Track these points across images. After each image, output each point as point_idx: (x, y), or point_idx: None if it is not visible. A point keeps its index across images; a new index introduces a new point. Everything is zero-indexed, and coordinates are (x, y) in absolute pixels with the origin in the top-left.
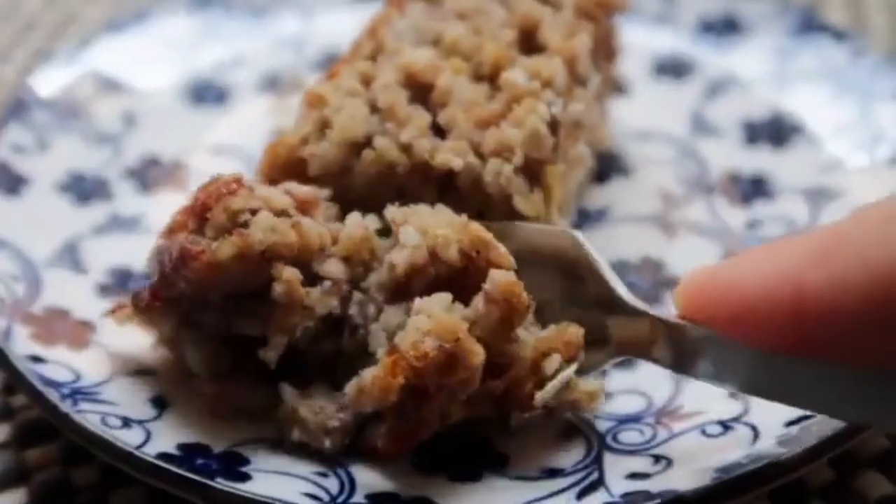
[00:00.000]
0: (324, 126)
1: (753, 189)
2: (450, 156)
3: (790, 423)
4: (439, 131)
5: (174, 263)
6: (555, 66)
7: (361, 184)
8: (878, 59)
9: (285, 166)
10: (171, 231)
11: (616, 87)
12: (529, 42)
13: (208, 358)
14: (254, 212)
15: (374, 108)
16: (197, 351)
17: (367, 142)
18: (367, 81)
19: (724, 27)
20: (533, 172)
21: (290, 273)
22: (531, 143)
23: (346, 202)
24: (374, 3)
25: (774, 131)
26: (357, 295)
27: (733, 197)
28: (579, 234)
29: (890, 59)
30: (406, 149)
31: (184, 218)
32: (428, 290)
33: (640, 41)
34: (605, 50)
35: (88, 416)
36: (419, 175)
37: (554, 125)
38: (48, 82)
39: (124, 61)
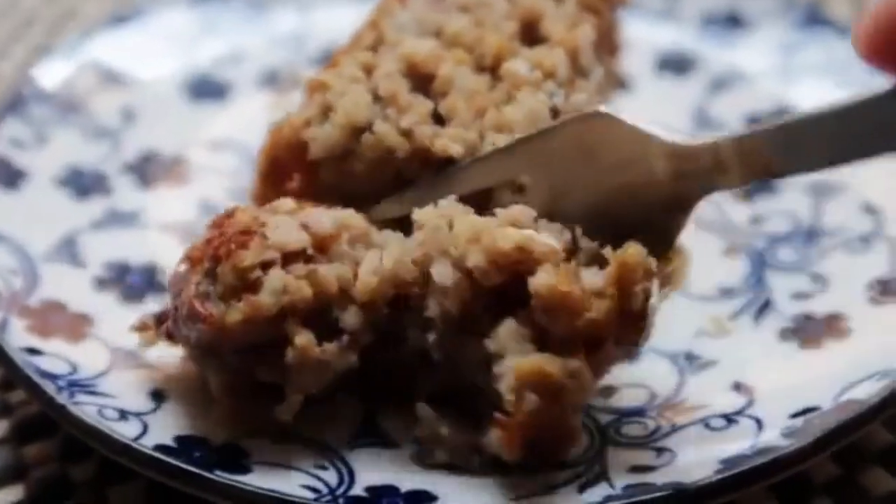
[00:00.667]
0: (326, 110)
1: (757, 184)
2: (449, 142)
3: (795, 416)
4: (439, 120)
5: (184, 318)
6: (557, 57)
7: (361, 169)
8: None
9: (287, 147)
10: (189, 261)
11: (619, 82)
12: (531, 34)
13: (229, 385)
14: (266, 265)
15: (375, 97)
16: (217, 378)
17: (369, 128)
18: (368, 71)
19: (728, 22)
20: None
21: (302, 338)
22: (530, 124)
23: (346, 189)
24: None
25: None
26: (409, 316)
27: (737, 192)
28: (603, 107)
29: None
30: (406, 134)
31: (199, 254)
32: (487, 308)
33: (643, 36)
34: (607, 44)
35: (85, 409)
36: (418, 161)
37: (555, 115)
38: (47, 76)
39: (123, 55)
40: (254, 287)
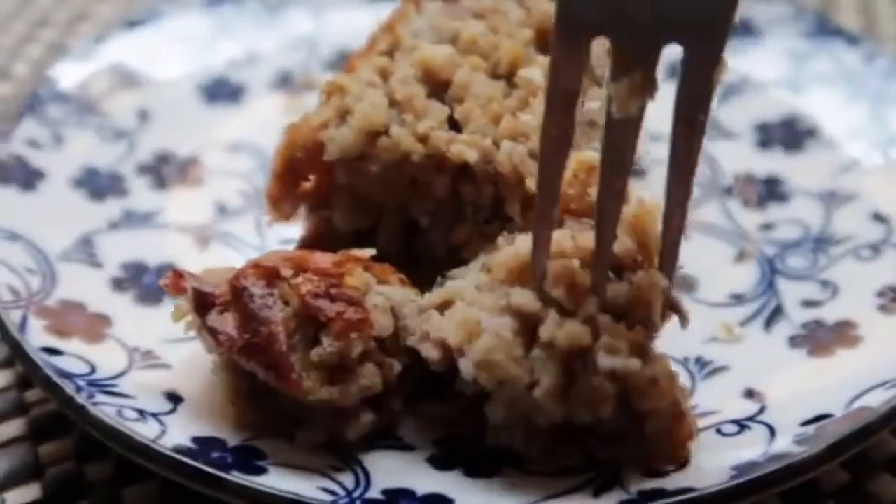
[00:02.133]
0: (343, 113)
1: (767, 191)
2: (464, 147)
3: (806, 423)
4: (455, 126)
5: (265, 368)
6: None
7: (376, 172)
8: (890, 62)
9: (304, 148)
10: (265, 280)
11: None
12: (546, 41)
13: (257, 408)
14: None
15: (392, 101)
16: (236, 386)
17: (385, 131)
18: (384, 75)
19: (738, 30)
20: None
21: (367, 418)
22: None
23: (360, 190)
24: (386, 3)
25: (788, 134)
26: None
27: (748, 199)
28: None
29: None
30: (422, 139)
31: (272, 273)
32: None
33: None
34: None
35: (104, 409)
36: (433, 166)
37: None
38: (64, 78)
39: (139, 58)
40: (347, 373)
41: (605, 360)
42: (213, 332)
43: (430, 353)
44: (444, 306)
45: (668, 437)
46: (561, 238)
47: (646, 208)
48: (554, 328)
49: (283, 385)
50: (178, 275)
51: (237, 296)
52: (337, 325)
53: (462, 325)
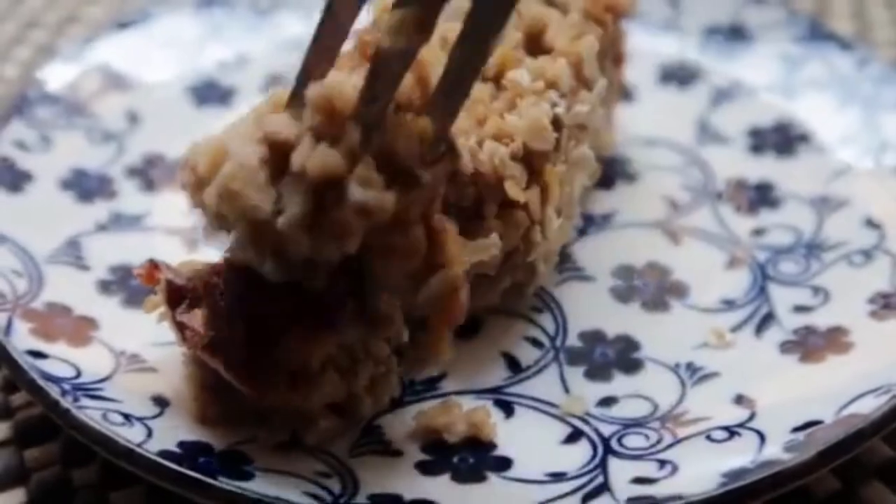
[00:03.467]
0: None
1: (759, 197)
2: None
3: (796, 430)
4: None
5: (225, 367)
6: (560, 67)
7: None
8: (883, 68)
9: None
10: (231, 267)
11: (623, 92)
12: (536, 45)
13: (220, 404)
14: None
15: None
16: (213, 401)
17: None
18: None
19: (731, 34)
20: (532, 167)
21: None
22: (531, 132)
23: None
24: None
25: (780, 139)
26: None
27: (739, 204)
28: None
29: (895, 69)
30: None
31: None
32: None
33: (645, 47)
34: (613, 55)
35: (89, 413)
36: None
37: (556, 124)
38: (52, 79)
39: (128, 59)
40: (309, 379)
41: (356, 192)
42: (180, 327)
43: (184, 180)
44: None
45: (434, 314)
46: (336, 73)
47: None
48: (305, 154)
49: (241, 385)
50: (154, 265)
51: (208, 292)
52: (298, 332)
53: (209, 152)
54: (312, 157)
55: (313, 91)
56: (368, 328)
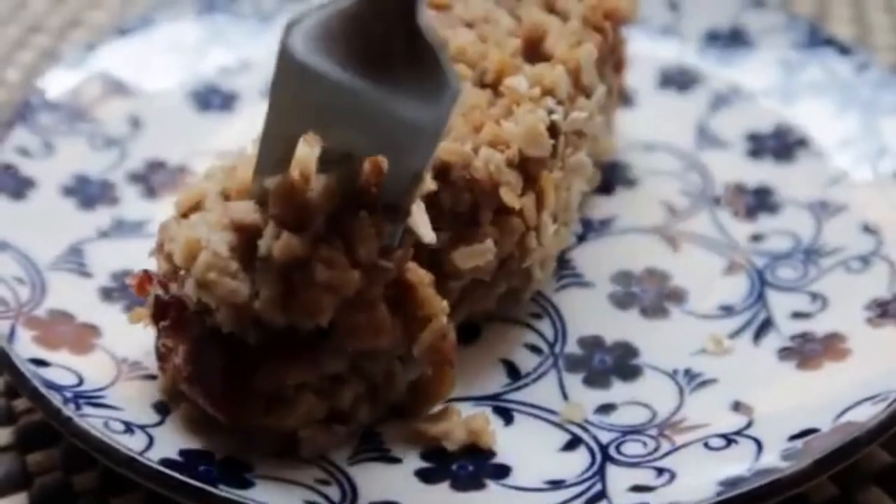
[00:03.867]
0: None
1: (758, 202)
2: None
3: (794, 437)
4: None
5: (203, 396)
6: (557, 74)
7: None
8: (882, 73)
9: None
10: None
11: (623, 97)
12: (536, 51)
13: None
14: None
15: None
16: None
17: None
18: None
19: (730, 39)
20: (528, 173)
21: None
22: (527, 139)
23: None
24: None
25: (779, 144)
26: None
27: (738, 209)
28: None
29: (894, 73)
30: None
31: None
32: None
33: (645, 52)
34: (613, 61)
35: (91, 421)
36: None
37: (553, 131)
38: (55, 85)
39: (131, 65)
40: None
41: (321, 273)
42: (162, 352)
43: (160, 264)
44: (191, 209)
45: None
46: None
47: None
48: (269, 242)
49: (219, 413)
50: (147, 276)
51: (186, 322)
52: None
53: (185, 244)
54: (278, 245)
55: (273, 183)
56: (353, 360)
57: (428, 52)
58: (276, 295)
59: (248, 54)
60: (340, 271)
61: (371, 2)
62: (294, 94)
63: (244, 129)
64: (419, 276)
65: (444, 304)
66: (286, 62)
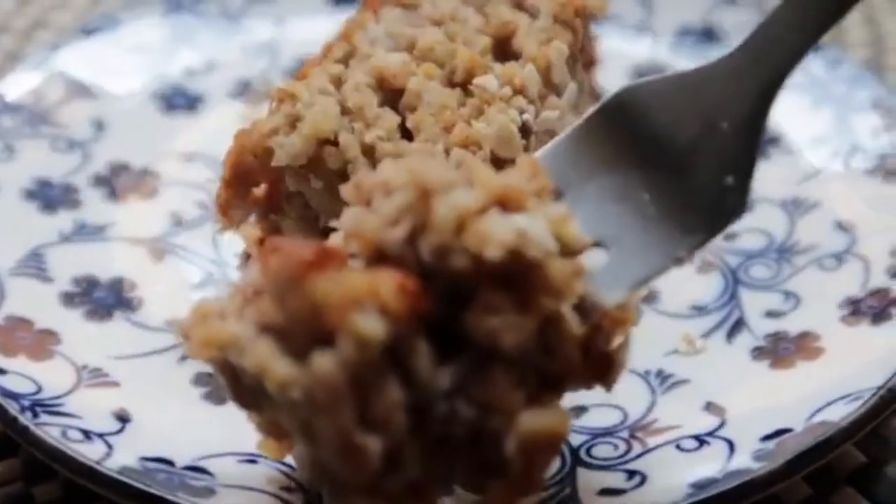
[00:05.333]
0: (294, 121)
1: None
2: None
3: (766, 438)
4: (407, 134)
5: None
6: (528, 73)
7: (324, 181)
8: (855, 69)
9: (253, 153)
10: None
11: (596, 95)
12: (505, 49)
13: None
14: None
15: (344, 110)
16: None
17: (335, 140)
18: (337, 83)
19: (703, 36)
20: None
21: None
22: (499, 140)
23: (309, 199)
24: (348, 9)
25: None
26: None
27: None
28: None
29: (867, 70)
30: (367, 149)
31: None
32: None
33: (618, 49)
34: (584, 59)
35: (48, 430)
36: None
37: (525, 131)
38: (16, 87)
39: (94, 66)
40: None
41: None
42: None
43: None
44: None
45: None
46: None
47: None
48: None
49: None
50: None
51: None
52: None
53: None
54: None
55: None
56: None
57: None
58: None
59: (215, 55)
60: None
61: None
62: None
63: (210, 130)
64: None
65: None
66: None
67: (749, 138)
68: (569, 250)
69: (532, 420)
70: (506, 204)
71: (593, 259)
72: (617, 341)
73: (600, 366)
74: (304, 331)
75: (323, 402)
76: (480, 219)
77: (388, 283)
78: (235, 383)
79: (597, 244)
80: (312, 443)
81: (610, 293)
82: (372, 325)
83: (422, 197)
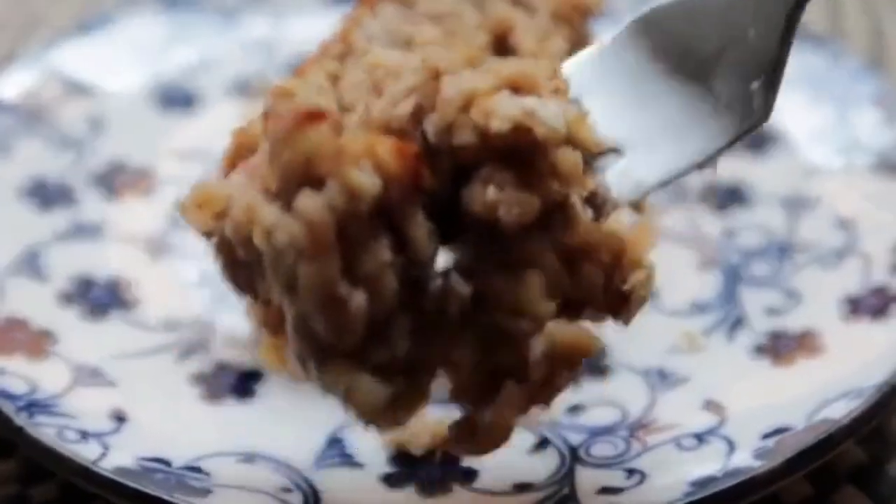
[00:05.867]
0: None
1: (730, 196)
2: None
3: (767, 436)
4: None
5: None
6: None
7: None
8: (856, 64)
9: (251, 151)
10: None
11: None
12: (502, 46)
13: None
14: None
15: (340, 107)
16: None
17: None
18: (334, 80)
19: None
20: None
21: None
22: None
23: None
24: (345, 6)
25: (752, 137)
26: None
27: (710, 204)
28: None
29: (868, 65)
30: None
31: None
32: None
33: None
34: None
35: (44, 430)
36: None
37: None
38: (11, 85)
39: (90, 64)
40: None
41: None
42: None
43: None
44: None
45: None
46: None
47: None
48: None
49: None
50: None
51: None
52: None
53: None
54: None
55: None
56: None
57: None
58: None
59: (212, 52)
60: None
61: None
62: None
63: (208, 127)
64: None
65: None
66: None
67: (777, 41)
68: (583, 150)
69: (562, 330)
70: (518, 89)
71: (609, 161)
72: (637, 277)
73: (620, 297)
74: (295, 181)
75: (306, 246)
76: (489, 97)
77: (387, 144)
78: (232, 261)
79: (614, 150)
80: (296, 298)
81: (624, 193)
82: (365, 178)
83: (431, 77)
